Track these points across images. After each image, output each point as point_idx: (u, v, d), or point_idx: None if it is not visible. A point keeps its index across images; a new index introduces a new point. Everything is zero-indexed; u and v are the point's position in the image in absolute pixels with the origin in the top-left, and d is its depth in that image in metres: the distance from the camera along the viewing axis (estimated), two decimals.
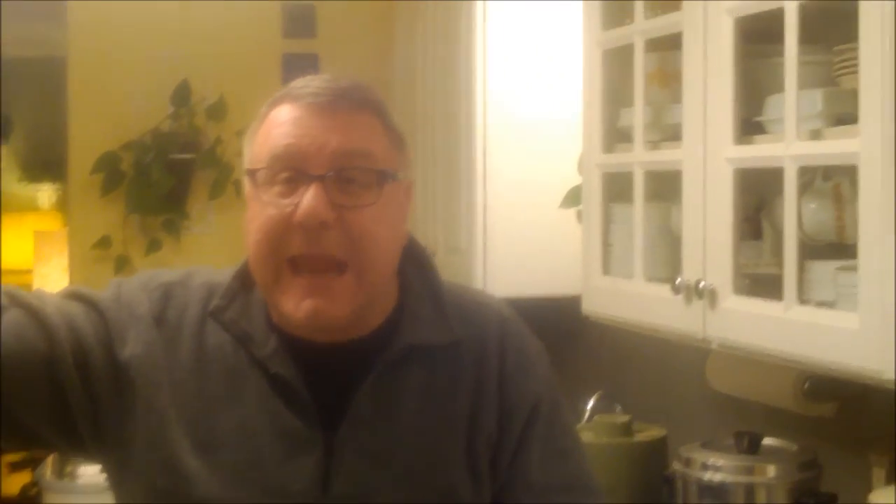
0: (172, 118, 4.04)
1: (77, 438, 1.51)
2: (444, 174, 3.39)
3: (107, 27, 4.05)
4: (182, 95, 4.03)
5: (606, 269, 2.45)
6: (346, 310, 1.47)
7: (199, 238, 4.06)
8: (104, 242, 4.01)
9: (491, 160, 3.16)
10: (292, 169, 1.45)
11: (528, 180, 3.13)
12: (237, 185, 4.02)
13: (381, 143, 1.50)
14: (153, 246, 4.03)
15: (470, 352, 1.58)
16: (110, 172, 4.02)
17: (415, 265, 1.61)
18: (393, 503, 1.50)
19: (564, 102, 3.00)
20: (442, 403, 1.55)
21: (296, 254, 1.44)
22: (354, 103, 1.49)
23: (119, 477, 1.55)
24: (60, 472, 3.16)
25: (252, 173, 1.48)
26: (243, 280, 1.56)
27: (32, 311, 1.49)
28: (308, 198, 1.43)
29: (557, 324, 3.05)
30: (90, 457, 1.58)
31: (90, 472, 3.09)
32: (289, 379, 1.50)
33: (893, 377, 1.62)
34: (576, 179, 2.73)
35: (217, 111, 4.02)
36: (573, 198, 2.86)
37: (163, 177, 3.98)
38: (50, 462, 3.27)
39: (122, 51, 4.07)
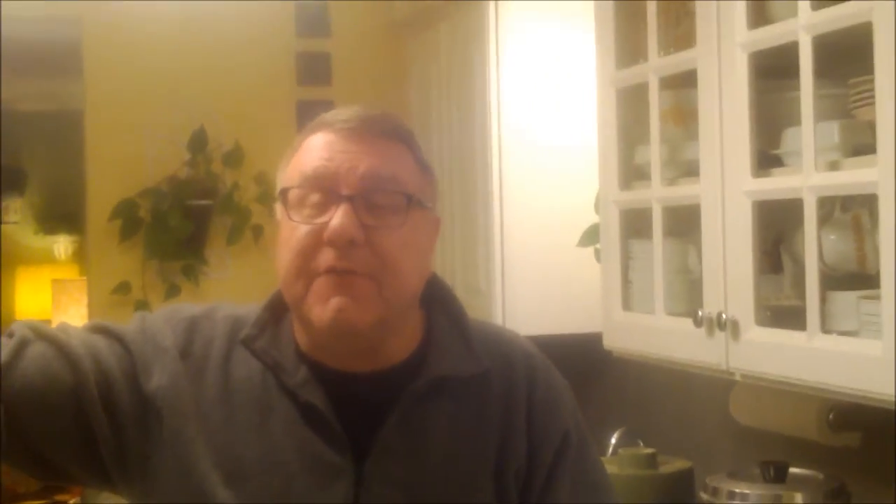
0: (189, 165, 4.07)
1: (103, 470, 1.53)
2: (461, 215, 3.41)
3: (122, 77, 4.09)
4: (198, 142, 4.05)
5: (627, 305, 2.47)
6: (369, 315, 1.48)
7: (218, 283, 4.08)
8: (123, 288, 4.03)
9: (508, 200, 3.18)
10: (323, 190, 1.48)
11: (546, 220, 3.16)
12: (255, 231, 4.05)
13: (409, 170, 1.53)
14: (172, 291, 4.05)
15: (498, 384, 1.59)
16: (128, 219, 4.05)
17: (439, 301, 1.64)
18: None
19: (582, 141, 3.02)
20: (471, 434, 1.56)
21: (325, 266, 1.47)
22: (385, 131, 1.53)
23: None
24: None
25: (284, 193, 1.51)
26: (273, 311, 1.59)
27: (57, 345, 1.51)
28: (338, 217, 1.46)
29: (579, 361, 3.05)
30: (115, 489, 1.58)
31: None
32: (319, 408, 1.51)
33: None
34: (593, 218, 2.75)
35: (233, 157, 4.05)
36: (590, 236, 2.88)
37: (181, 223, 4.01)
38: None
39: (138, 100, 4.10)
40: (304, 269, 1.48)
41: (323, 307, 1.47)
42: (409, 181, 1.52)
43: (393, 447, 1.52)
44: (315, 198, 1.49)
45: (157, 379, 1.53)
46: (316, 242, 1.47)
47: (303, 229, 1.48)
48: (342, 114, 1.54)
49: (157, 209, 4.04)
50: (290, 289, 1.51)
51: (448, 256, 3.48)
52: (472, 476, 1.55)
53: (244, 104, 4.15)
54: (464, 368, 1.58)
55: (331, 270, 1.47)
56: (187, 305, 1.65)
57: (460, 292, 3.35)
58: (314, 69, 4.21)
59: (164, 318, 1.60)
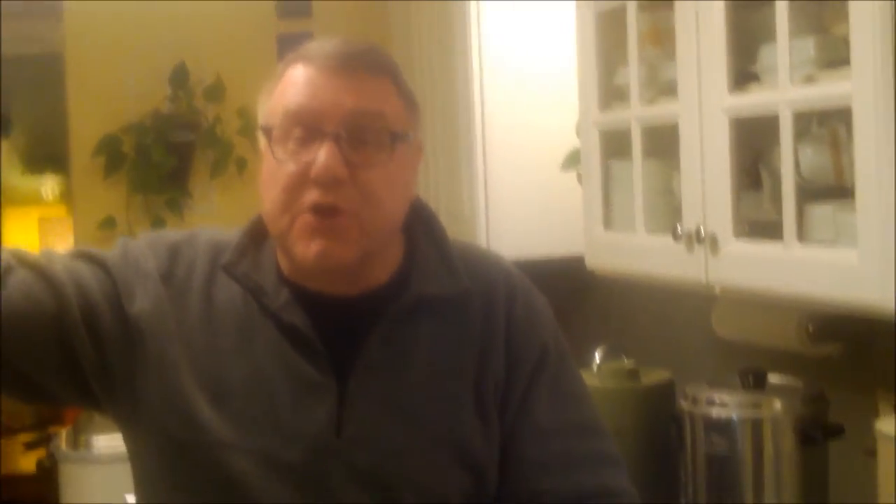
0: (171, 100, 4.08)
1: (89, 393, 1.57)
2: (443, 141, 3.42)
3: (102, 16, 4.08)
4: (179, 77, 4.06)
5: (608, 225, 2.49)
6: (352, 252, 1.52)
7: (203, 216, 4.09)
8: (109, 223, 4.05)
9: (490, 126, 3.19)
10: (307, 127, 1.50)
11: (528, 145, 3.16)
12: (238, 164, 4.07)
13: (393, 105, 1.55)
14: (157, 225, 4.07)
15: (478, 303, 1.63)
16: (112, 155, 4.06)
17: (421, 222, 1.66)
18: (404, 447, 1.55)
19: (563, 66, 3.02)
20: (451, 352, 1.60)
21: (310, 203, 1.49)
22: (369, 66, 1.54)
23: (133, 430, 1.60)
24: (75, 444, 3.18)
25: (268, 130, 1.53)
26: (253, 236, 1.62)
27: (40, 271, 1.54)
28: (322, 155, 1.48)
29: (563, 283, 3.10)
30: (103, 411, 1.62)
31: (105, 442, 3.12)
32: (301, 328, 1.55)
33: (894, 309, 1.66)
34: (575, 142, 2.77)
35: (215, 91, 4.06)
36: (573, 160, 2.90)
37: (164, 157, 4.03)
38: (64, 434, 3.31)
39: (119, 37, 4.10)
40: (290, 204, 1.51)
41: (306, 246, 1.51)
42: (394, 116, 1.54)
43: (375, 364, 1.56)
44: (299, 134, 1.51)
45: (140, 302, 1.56)
46: (301, 179, 1.50)
47: (288, 165, 1.50)
48: (325, 47, 1.55)
49: (140, 144, 4.06)
50: (275, 222, 1.54)
51: (431, 183, 3.50)
52: (453, 392, 1.59)
53: (224, 38, 4.14)
54: (445, 288, 1.61)
55: (315, 207, 1.49)
56: (171, 232, 1.69)
57: (444, 218, 3.32)
58: (294, 2, 4.20)
59: (146, 243, 1.63)
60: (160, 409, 1.55)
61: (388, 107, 1.54)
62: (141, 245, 1.62)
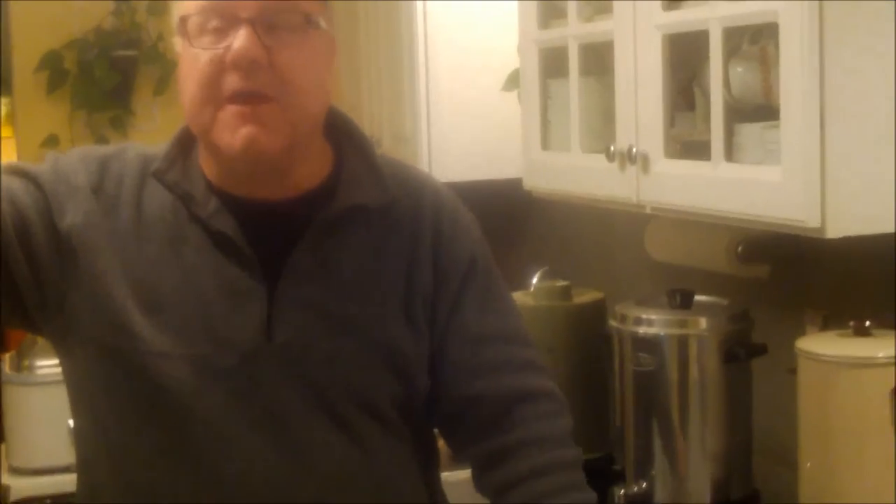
0: (114, 15, 4.03)
1: (22, 309, 1.56)
2: (386, 64, 3.40)
3: None
4: None
5: (546, 145, 2.49)
6: (278, 141, 1.52)
7: (146, 134, 4.07)
8: (51, 141, 4.02)
9: (433, 48, 3.16)
10: (222, 14, 1.49)
11: (471, 66, 3.14)
12: None
13: None
14: (100, 143, 4.03)
15: (405, 214, 1.65)
16: (54, 72, 4.02)
17: (345, 133, 1.68)
18: (334, 350, 1.57)
19: None
20: (379, 261, 1.62)
21: (230, 91, 1.49)
22: None
23: (67, 346, 1.61)
24: (18, 367, 3.18)
25: (182, 21, 1.52)
26: (182, 145, 1.62)
27: None
28: (239, 39, 1.48)
29: (505, 205, 3.10)
30: (39, 331, 1.62)
31: (49, 367, 3.12)
32: (230, 235, 1.56)
33: (818, 225, 1.68)
34: (517, 64, 2.76)
35: (158, 7, 4.01)
36: (515, 80, 2.89)
37: (107, 74, 3.99)
38: (8, 358, 3.31)
39: None
40: (210, 96, 1.51)
41: (232, 135, 1.50)
42: (310, 5, 1.54)
43: (304, 269, 1.57)
44: (214, 23, 1.50)
45: (71, 217, 1.56)
46: (219, 68, 1.49)
47: (205, 56, 1.50)
48: None
49: (82, 60, 4.01)
50: (197, 118, 1.54)
51: (375, 105, 3.49)
52: (381, 299, 1.61)
53: None
54: (374, 198, 1.63)
55: (236, 95, 1.49)
56: (100, 147, 1.69)
57: (387, 140, 3.37)
58: None
59: (76, 157, 1.63)
60: (93, 320, 1.55)
61: None
62: (71, 159, 1.62)
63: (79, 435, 1.66)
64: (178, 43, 1.56)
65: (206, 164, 1.60)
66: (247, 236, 1.56)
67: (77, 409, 1.65)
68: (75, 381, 1.63)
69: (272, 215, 1.59)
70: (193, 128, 1.57)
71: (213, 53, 1.49)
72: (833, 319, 2.08)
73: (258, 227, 1.58)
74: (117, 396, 1.57)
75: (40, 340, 3.06)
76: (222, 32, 1.49)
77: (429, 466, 1.72)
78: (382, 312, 1.60)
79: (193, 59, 1.51)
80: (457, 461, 1.74)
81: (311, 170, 1.62)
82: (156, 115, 4.11)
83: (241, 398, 1.54)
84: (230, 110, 1.50)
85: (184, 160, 1.61)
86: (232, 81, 1.49)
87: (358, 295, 1.59)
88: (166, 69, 4.03)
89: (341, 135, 1.67)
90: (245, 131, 1.50)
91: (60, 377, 1.67)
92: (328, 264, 1.59)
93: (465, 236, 1.70)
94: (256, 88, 1.49)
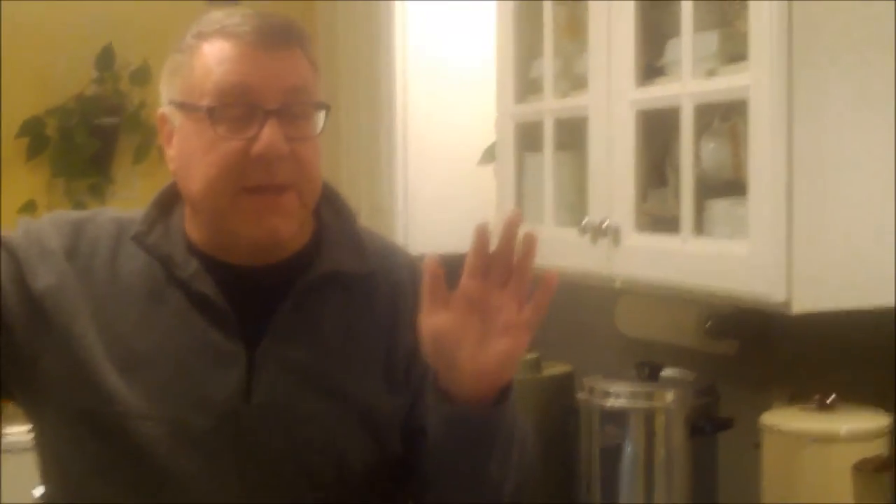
0: (97, 83, 4.06)
1: None
2: (366, 135, 3.43)
3: None
4: (106, 60, 4.04)
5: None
6: (294, 226, 1.56)
7: (125, 201, 4.06)
8: (29, 206, 4.01)
9: (412, 120, 3.21)
10: (247, 104, 1.51)
11: (449, 139, 3.19)
12: (162, 149, 4.03)
13: (311, 76, 1.58)
14: (78, 210, 4.04)
15: (385, 282, 1.66)
16: (35, 137, 4.03)
17: (329, 202, 1.69)
18: (312, 413, 1.57)
19: (484, 61, 3.04)
20: (359, 325, 1.62)
21: (256, 184, 1.51)
22: (291, 38, 1.56)
23: (40, 410, 1.60)
24: None
25: (211, 110, 1.51)
26: (161, 207, 1.63)
27: None
28: (267, 132, 1.50)
29: None
30: (10, 395, 1.61)
31: (14, 436, 3.09)
32: (211, 296, 1.56)
33: (784, 300, 1.70)
34: (493, 137, 2.79)
35: (141, 76, 4.03)
36: (491, 154, 2.92)
37: (87, 141, 4.00)
38: None
39: (46, 19, 4.06)
40: (230, 184, 1.51)
41: (256, 225, 1.53)
42: (315, 88, 1.58)
43: (285, 333, 1.58)
44: (237, 112, 1.51)
45: (44, 279, 1.56)
46: (242, 157, 1.51)
47: (227, 144, 1.50)
48: (240, 20, 1.56)
49: (63, 127, 4.02)
50: (213, 203, 1.54)
51: (353, 175, 3.51)
52: (362, 364, 1.61)
53: (153, 22, 4.11)
54: (353, 266, 1.64)
55: (260, 187, 1.51)
56: (73, 211, 1.70)
57: (364, 211, 3.38)
58: None
59: (49, 221, 1.63)
60: (68, 383, 1.54)
61: (309, 79, 1.57)
62: (43, 224, 1.63)
63: (49, 501, 1.65)
64: (175, 118, 1.57)
65: (193, 229, 1.61)
66: (227, 298, 1.56)
67: (48, 475, 1.63)
68: (47, 445, 1.62)
69: (252, 278, 1.60)
70: (206, 210, 1.56)
71: (238, 143, 1.50)
72: (800, 396, 2.09)
73: (238, 289, 1.58)
74: (92, 460, 1.55)
75: (8, 407, 3.03)
76: (245, 121, 1.51)
77: None
78: (363, 376, 1.60)
79: (210, 143, 1.51)
80: None
81: (295, 237, 1.63)
82: (135, 183, 4.11)
83: (218, 460, 1.53)
84: (253, 201, 1.51)
85: (164, 221, 1.62)
86: (257, 174, 1.50)
87: (338, 358, 1.59)
88: (147, 137, 4.04)
89: (323, 200, 1.67)
90: (268, 223, 1.52)
91: (27, 445, 1.66)
92: (308, 327, 1.59)
93: None
94: (280, 181, 1.52)
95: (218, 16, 1.58)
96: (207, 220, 1.57)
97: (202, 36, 1.56)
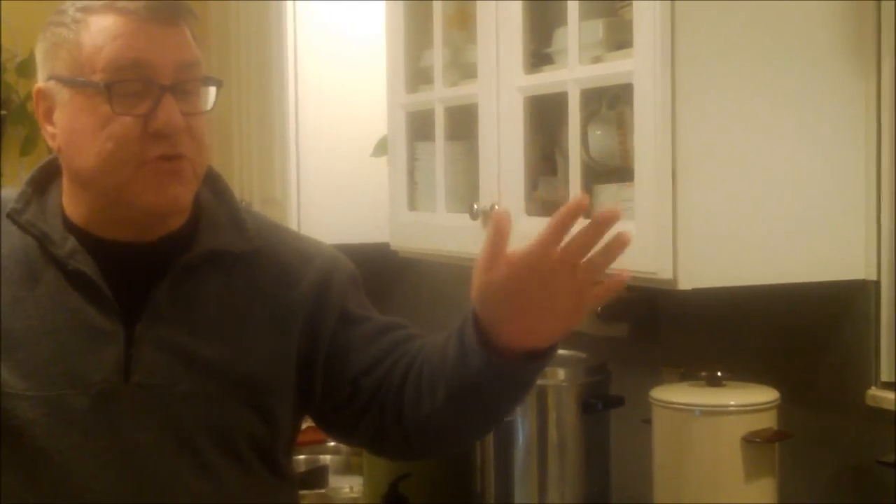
0: None
1: None
2: (258, 126, 3.43)
3: None
4: None
5: (412, 206, 2.54)
6: (191, 194, 1.59)
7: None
8: None
9: (303, 112, 3.22)
10: (142, 80, 1.52)
11: (341, 131, 3.20)
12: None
13: (199, 52, 1.60)
14: None
15: (270, 260, 1.67)
16: None
17: (208, 184, 1.69)
18: (192, 390, 1.57)
19: (376, 54, 3.06)
20: (241, 303, 1.63)
21: (156, 155, 1.52)
22: (179, 15, 1.57)
23: None
24: None
25: (107, 85, 1.51)
26: (36, 185, 1.63)
27: None
28: (165, 107, 1.51)
29: (375, 268, 3.12)
30: None
31: None
32: (88, 274, 1.56)
33: (670, 277, 1.75)
34: (385, 130, 2.81)
35: (27, 67, 3.98)
36: (383, 146, 2.94)
37: None
38: None
39: None
40: (129, 157, 1.52)
41: (157, 194, 1.54)
42: (202, 63, 1.59)
43: (162, 312, 1.58)
44: (133, 88, 1.52)
45: None
46: (140, 132, 1.51)
47: (123, 119, 1.51)
48: None
49: None
50: (111, 176, 1.53)
51: (246, 167, 3.51)
52: (247, 341, 1.62)
53: (38, 13, 4.05)
54: (234, 244, 1.65)
55: (162, 158, 1.53)
56: None
57: (257, 203, 3.39)
58: None
59: None
60: None
61: (199, 54, 1.59)
62: None
63: None
64: (64, 92, 1.54)
65: (71, 206, 1.60)
66: (105, 277, 1.57)
67: None
68: None
69: (130, 257, 1.60)
70: (99, 184, 1.55)
71: (133, 118, 1.51)
72: (690, 375, 2.15)
73: (117, 268, 1.58)
74: None
75: None
76: (139, 96, 1.52)
77: None
78: (244, 353, 1.61)
79: (105, 118, 1.51)
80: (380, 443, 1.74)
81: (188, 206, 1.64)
82: (22, 175, 4.03)
83: (97, 439, 1.54)
84: (153, 170, 1.52)
85: (39, 199, 1.61)
86: (158, 146, 1.52)
87: (219, 336, 1.60)
88: (34, 129, 3.99)
89: (203, 181, 1.67)
90: (171, 190, 1.54)
91: None
92: (187, 306, 1.60)
93: (345, 268, 1.74)
94: (181, 153, 1.54)
95: None
96: (97, 195, 1.57)
97: (89, 10, 1.55)
